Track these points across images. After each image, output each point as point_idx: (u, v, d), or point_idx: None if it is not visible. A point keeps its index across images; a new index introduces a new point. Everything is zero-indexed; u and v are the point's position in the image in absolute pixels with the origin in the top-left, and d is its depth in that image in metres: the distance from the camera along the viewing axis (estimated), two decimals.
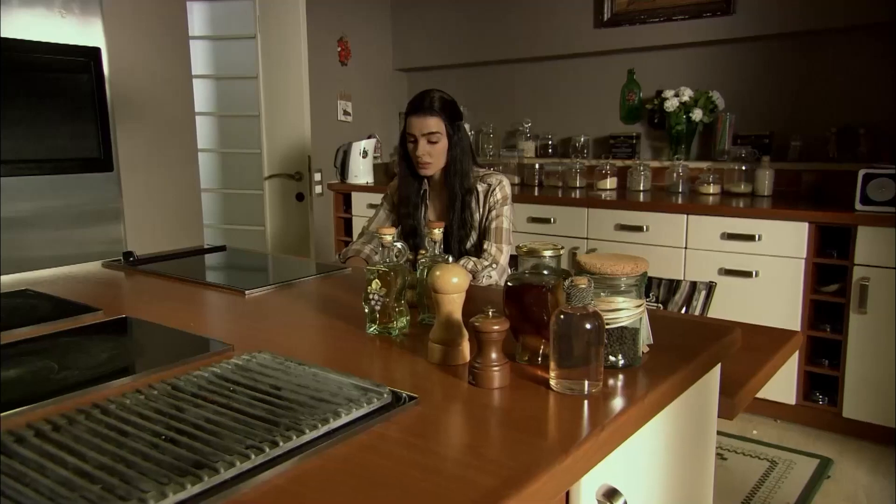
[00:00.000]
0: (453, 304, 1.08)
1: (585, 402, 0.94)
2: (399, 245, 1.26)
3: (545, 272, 1.07)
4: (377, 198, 4.04)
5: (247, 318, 1.43)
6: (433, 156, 2.13)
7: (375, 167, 4.26)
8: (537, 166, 3.95)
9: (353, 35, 4.24)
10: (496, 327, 0.98)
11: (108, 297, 1.61)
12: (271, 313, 1.46)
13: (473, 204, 2.20)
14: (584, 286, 0.94)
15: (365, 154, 4.17)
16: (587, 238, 3.33)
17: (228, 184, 4.14)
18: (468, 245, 2.21)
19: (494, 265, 2.14)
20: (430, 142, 2.10)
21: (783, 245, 2.81)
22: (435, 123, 2.10)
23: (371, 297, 1.24)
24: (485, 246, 2.19)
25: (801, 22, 3.17)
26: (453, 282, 1.07)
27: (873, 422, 2.70)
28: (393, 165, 4.51)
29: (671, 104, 3.49)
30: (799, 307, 2.81)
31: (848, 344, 2.73)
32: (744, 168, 3.34)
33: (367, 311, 1.26)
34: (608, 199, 3.37)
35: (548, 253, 1.06)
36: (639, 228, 3.17)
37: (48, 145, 2.43)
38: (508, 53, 4.08)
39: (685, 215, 3.05)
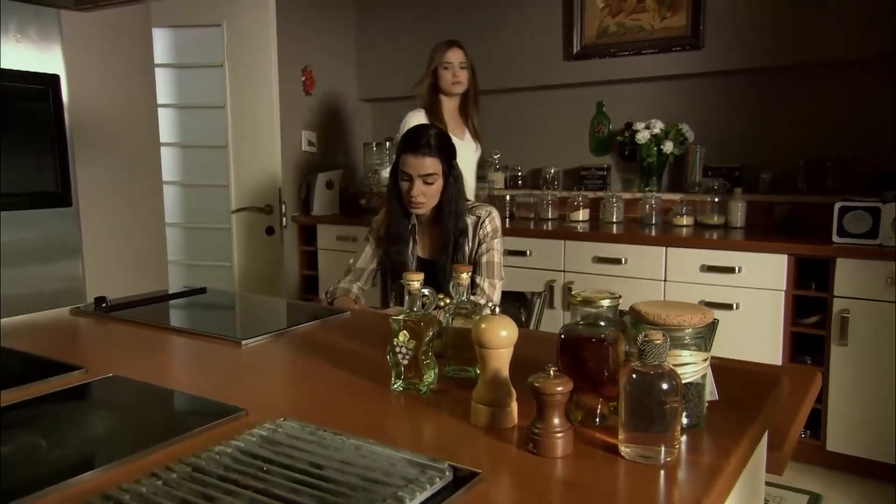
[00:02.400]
0: (501, 359, 0.99)
1: (662, 471, 0.86)
2: (427, 292, 1.16)
3: (602, 323, 0.99)
4: (344, 230, 3.93)
5: (250, 373, 1.30)
6: (428, 196, 2.04)
7: (341, 198, 4.14)
8: (508, 197, 3.90)
9: (318, 64, 4.15)
10: (560, 388, 0.89)
11: (86, 352, 1.44)
12: (276, 367, 1.33)
13: (462, 238, 2.12)
14: (659, 341, 0.86)
15: (330, 185, 4.05)
16: (564, 271, 3.28)
17: (193, 218, 3.95)
18: None
19: (490, 303, 2.06)
20: (426, 182, 2.02)
21: (763, 277, 2.82)
22: (432, 164, 2.01)
23: (398, 350, 1.14)
24: (477, 281, 2.11)
25: (769, 58, 3.24)
26: (502, 335, 0.98)
27: (858, 455, 2.70)
28: (358, 196, 4.40)
29: (643, 136, 3.50)
30: (780, 339, 2.82)
31: (830, 376, 2.74)
32: (716, 200, 3.36)
33: (392, 365, 1.16)
34: (583, 230, 3.35)
35: (605, 302, 0.98)
36: (617, 261, 3.14)
37: (1, 179, 2.24)
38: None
39: (664, 248, 3.04)
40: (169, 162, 3.77)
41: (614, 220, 3.56)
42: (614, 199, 3.57)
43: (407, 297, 1.15)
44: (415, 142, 2.04)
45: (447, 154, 2.07)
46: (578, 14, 3.68)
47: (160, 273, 3.11)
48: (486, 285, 2.10)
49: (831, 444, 2.76)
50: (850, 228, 2.73)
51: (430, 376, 1.15)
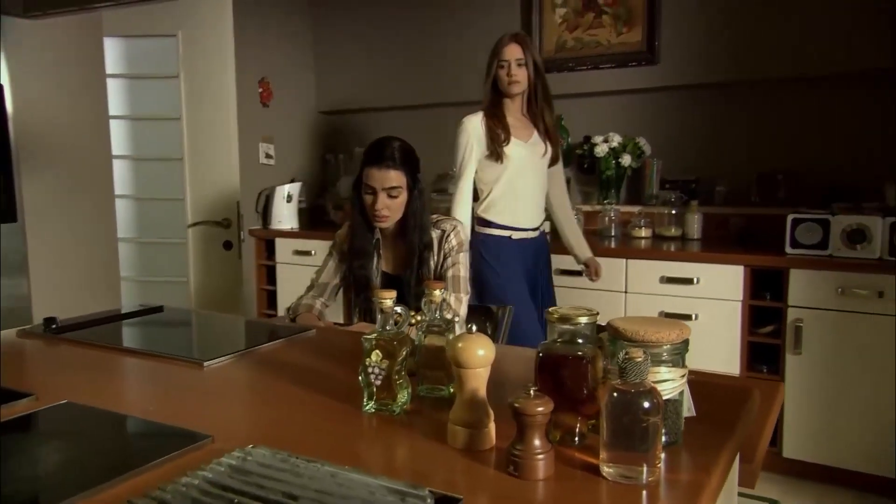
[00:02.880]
0: (479, 379, 0.97)
1: (644, 492, 0.85)
2: (399, 309, 1.13)
3: (579, 340, 0.98)
4: (303, 244, 3.87)
5: (213, 396, 1.25)
6: (392, 209, 2.01)
7: (300, 212, 4.07)
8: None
9: (275, 76, 4.09)
10: (541, 409, 0.87)
11: (36, 377, 1.37)
12: (240, 389, 1.29)
13: (427, 252, 2.10)
14: (640, 359, 0.85)
15: (289, 198, 3.99)
16: None
17: (147, 233, 3.83)
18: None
19: (456, 317, 2.04)
20: (390, 196, 1.99)
21: (720, 288, 2.88)
22: (396, 177, 1.98)
23: (370, 370, 1.11)
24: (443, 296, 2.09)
25: (722, 73, 3.32)
26: (479, 354, 0.96)
27: (814, 461, 2.76)
28: (317, 209, 4.34)
29: (601, 149, 3.55)
30: (737, 349, 2.87)
31: (785, 384, 2.80)
32: (673, 212, 3.42)
33: (364, 385, 1.12)
34: None
35: (583, 319, 0.97)
36: (579, 273, 3.16)
37: None
38: (436, 97, 4.04)
39: (624, 259, 3.07)
40: (122, 175, 3.65)
41: None
42: (575, 212, 3.59)
43: (379, 316, 1.12)
44: (378, 154, 2.01)
45: (412, 166, 2.05)
46: (537, 29, 3.72)
47: (113, 291, 3.00)
48: (452, 300, 2.08)
49: (787, 451, 2.81)
50: (802, 240, 2.80)
51: (403, 396, 1.12)
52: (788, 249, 2.81)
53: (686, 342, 0.96)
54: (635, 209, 3.56)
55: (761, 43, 3.20)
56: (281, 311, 3.88)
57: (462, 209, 2.64)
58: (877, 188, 2.94)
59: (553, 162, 2.74)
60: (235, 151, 3.59)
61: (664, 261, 2.98)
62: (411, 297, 2.07)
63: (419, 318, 1.23)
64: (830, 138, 3.18)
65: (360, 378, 1.13)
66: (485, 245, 2.62)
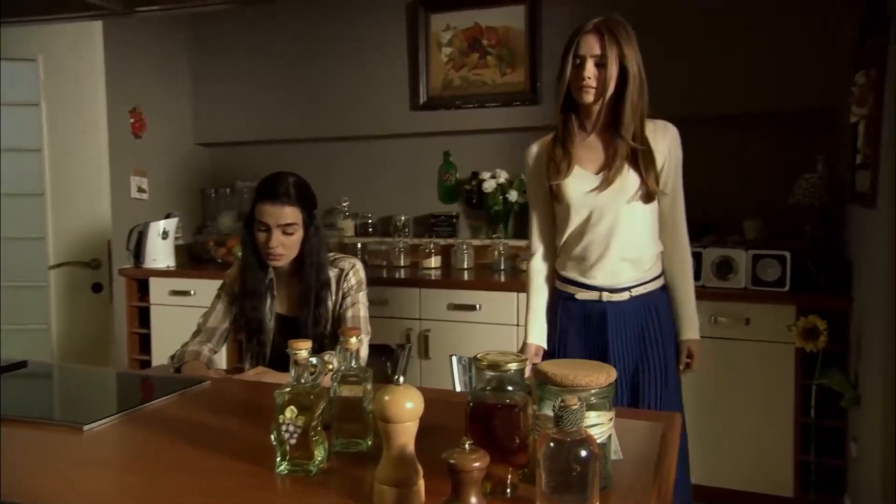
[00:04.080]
0: (407, 434, 0.92)
1: None
2: (314, 361, 1.06)
3: (510, 388, 0.95)
4: (182, 283, 3.63)
5: (97, 466, 1.11)
6: (287, 247, 1.93)
7: (177, 249, 3.83)
8: (359, 245, 3.84)
9: (149, 106, 3.85)
10: (477, 464, 0.84)
11: None
12: (129, 456, 1.15)
13: (325, 292, 2.03)
14: (576, 406, 0.84)
15: (165, 235, 3.74)
16: (420, 319, 3.26)
17: (2, 275, 3.43)
18: (324, 341, 2.01)
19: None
20: (285, 233, 1.90)
21: None
22: (291, 214, 1.90)
23: (284, 427, 1.02)
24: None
25: None
26: (407, 407, 0.91)
27: (711, 485, 2.85)
28: (196, 246, 4.11)
29: (489, 185, 3.62)
30: None
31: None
32: None
33: (277, 444, 1.04)
34: (436, 278, 3.36)
35: (513, 366, 0.95)
36: (471, 307, 3.18)
37: None
38: (322, 132, 3.97)
39: (515, 293, 3.12)
40: None
41: (465, 266, 3.61)
42: (465, 246, 3.64)
43: (293, 368, 1.05)
44: (272, 189, 1.93)
45: (307, 202, 1.98)
46: (424, 66, 3.76)
47: None
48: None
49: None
50: None
51: (320, 454, 1.05)
52: None
53: (613, 385, 0.97)
54: (523, 243, 3.64)
55: None
56: (156, 357, 3.60)
57: (532, 261, 2.09)
58: (736, 223, 3.19)
59: (648, 197, 1.92)
60: (106, 186, 3.31)
61: None
62: (309, 337, 1.97)
63: (333, 363, 1.17)
64: (697, 176, 3.40)
65: (272, 437, 1.04)
66: (553, 300, 2.07)
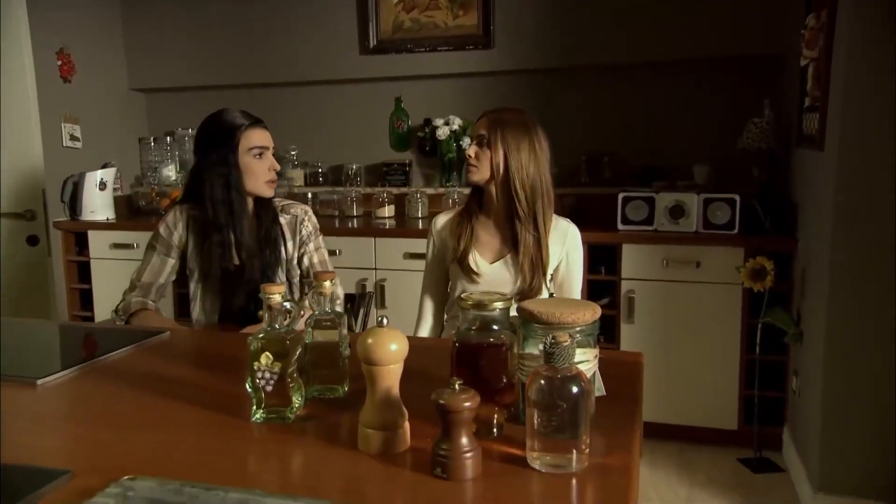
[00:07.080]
0: (392, 377, 0.90)
1: (574, 480, 0.83)
2: (289, 306, 1.02)
3: (495, 327, 0.94)
4: (124, 236, 3.47)
5: (57, 421, 1.05)
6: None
7: (116, 200, 3.66)
8: (310, 195, 3.74)
9: (77, 48, 3.60)
10: (468, 404, 0.82)
11: None
12: (91, 410, 1.09)
13: (279, 238, 1.97)
14: (567, 343, 0.83)
15: (103, 186, 3.55)
16: (375, 268, 3.22)
17: None
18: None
19: (338, 300, 1.93)
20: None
21: None
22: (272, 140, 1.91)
23: (260, 375, 0.98)
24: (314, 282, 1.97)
25: (553, 60, 3.46)
26: (392, 349, 0.88)
27: (664, 422, 2.95)
28: (137, 197, 3.93)
29: (443, 132, 3.56)
30: None
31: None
32: None
33: (252, 392, 1.00)
34: (391, 227, 3.32)
35: (498, 305, 0.93)
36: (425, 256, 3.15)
37: None
38: (267, 77, 3.81)
39: None
40: None
41: (419, 215, 3.57)
42: (418, 195, 3.59)
43: (267, 313, 1.00)
44: (252, 117, 1.92)
45: None
46: (373, 8, 3.62)
47: None
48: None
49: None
50: (632, 216, 3.01)
51: (298, 400, 1.02)
52: (620, 226, 3.01)
53: (597, 322, 0.96)
54: None
55: (587, 30, 3.37)
56: (99, 313, 3.46)
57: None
58: (686, 168, 3.24)
59: (523, 297, 1.79)
60: (38, 133, 3.11)
61: None
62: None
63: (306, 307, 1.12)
64: (648, 122, 3.44)
65: (247, 384, 1.00)
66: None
